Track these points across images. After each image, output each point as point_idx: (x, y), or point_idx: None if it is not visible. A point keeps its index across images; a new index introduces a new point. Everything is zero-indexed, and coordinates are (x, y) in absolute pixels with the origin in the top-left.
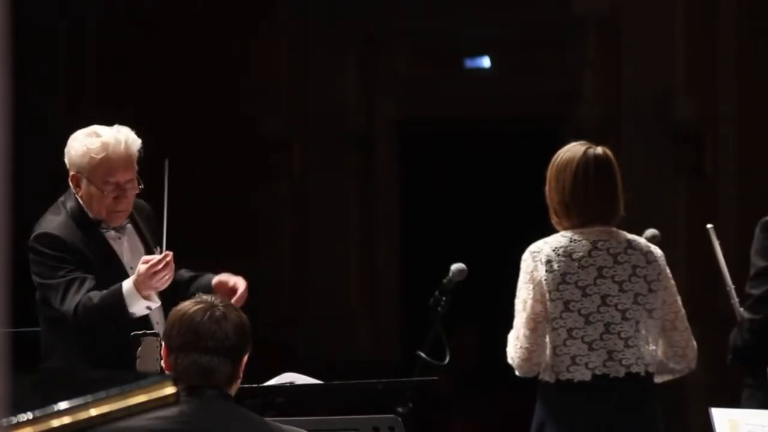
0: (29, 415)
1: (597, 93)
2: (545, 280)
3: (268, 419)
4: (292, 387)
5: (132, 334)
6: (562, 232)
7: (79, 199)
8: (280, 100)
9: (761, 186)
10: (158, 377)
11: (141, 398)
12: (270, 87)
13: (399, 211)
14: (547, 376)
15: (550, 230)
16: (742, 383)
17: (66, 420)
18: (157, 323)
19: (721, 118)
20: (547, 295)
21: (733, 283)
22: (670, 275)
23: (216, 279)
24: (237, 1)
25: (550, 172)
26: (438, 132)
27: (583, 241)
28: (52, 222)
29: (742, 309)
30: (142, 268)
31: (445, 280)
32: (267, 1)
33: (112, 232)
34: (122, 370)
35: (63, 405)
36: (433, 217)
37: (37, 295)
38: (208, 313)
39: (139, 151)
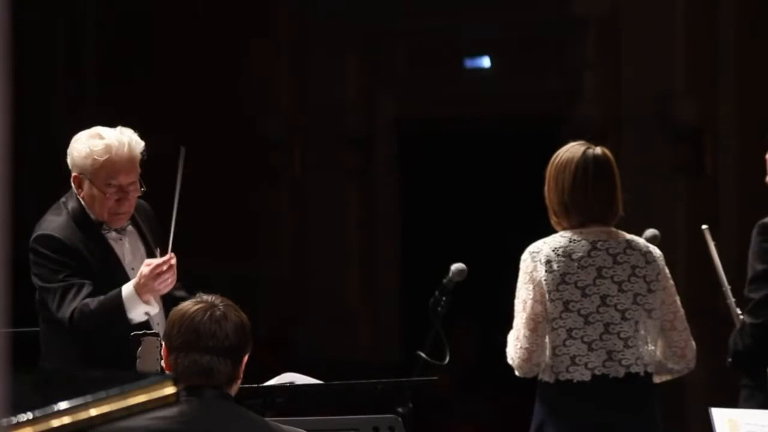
0: (29, 415)
1: (597, 93)
2: (545, 280)
3: (268, 419)
4: (292, 387)
5: (132, 334)
6: (562, 233)
7: (81, 200)
8: (280, 100)
9: (761, 186)
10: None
11: (141, 398)
12: (270, 87)
13: (399, 211)
14: (546, 377)
15: (550, 230)
16: (741, 384)
17: (66, 420)
18: (158, 324)
19: (721, 118)
20: (547, 296)
21: (733, 283)
22: (669, 275)
23: None
24: (237, 1)
25: (549, 172)
26: (438, 132)
27: (583, 242)
28: (53, 223)
29: (739, 312)
30: (145, 270)
31: (445, 280)
32: (267, 1)
33: (113, 233)
34: (122, 370)
35: (63, 405)
36: (433, 217)
37: (36, 295)
38: (209, 313)
39: (142, 153)
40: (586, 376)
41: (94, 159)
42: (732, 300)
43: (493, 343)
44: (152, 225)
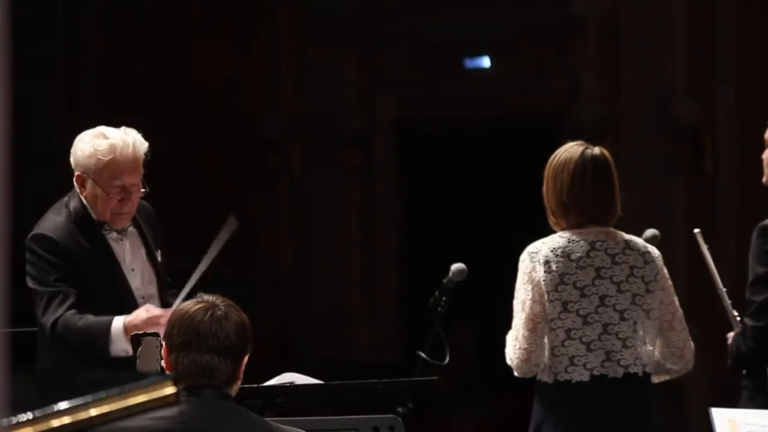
0: (29, 415)
1: (597, 93)
2: (544, 280)
3: (268, 419)
4: (292, 387)
5: (132, 334)
6: (560, 233)
7: (84, 200)
8: (280, 100)
9: (761, 186)
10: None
11: (141, 398)
12: (270, 87)
13: (399, 211)
14: (545, 377)
15: (550, 230)
16: (742, 385)
17: (66, 420)
18: None
19: (721, 118)
20: (546, 296)
21: (734, 284)
22: (667, 276)
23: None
24: (237, 1)
25: (548, 172)
26: (438, 132)
27: (582, 242)
28: (51, 222)
29: (736, 314)
30: (142, 314)
31: (445, 280)
32: (267, 1)
33: (114, 234)
34: (122, 370)
35: (63, 405)
36: (432, 217)
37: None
38: (210, 313)
39: (145, 154)
40: (585, 377)
41: (98, 159)
42: (728, 303)
43: (493, 343)
44: (154, 227)
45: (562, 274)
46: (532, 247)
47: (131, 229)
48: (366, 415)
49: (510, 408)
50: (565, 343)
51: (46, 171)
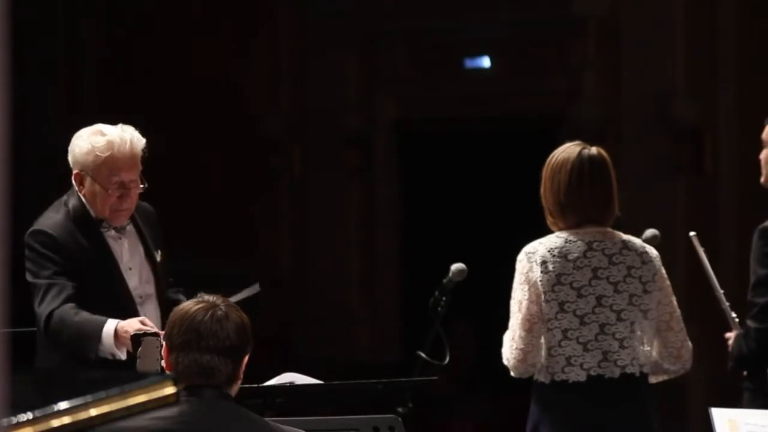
0: (29, 415)
1: (597, 93)
2: (540, 281)
3: (268, 419)
4: (292, 387)
5: (132, 334)
6: (558, 233)
7: (82, 198)
8: (280, 100)
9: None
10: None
11: (141, 398)
12: (270, 87)
13: (399, 211)
14: (542, 377)
15: (549, 230)
16: (743, 387)
17: (66, 420)
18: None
19: (721, 118)
20: (542, 296)
21: (734, 283)
22: (665, 276)
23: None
24: (237, 1)
25: (545, 172)
26: (438, 132)
27: (579, 242)
28: (49, 219)
29: (734, 315)
30: (135, 325)
31: (445, 280)
32: (267, 1)
33: (113, 232)
34: (122, 370)
35: (63, 405)
36: (433, 216)
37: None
38: (210, 313)
39: (143, 150)
40: (582, 377)
41: (96, 155)
42: (727, 305)
43: (493, 343)
44: (154, 227)
45: (558, 275)
46: (529, 248)
47: (130, 228)
48: (366, 415)
49: (510, 408)
50: (562, 344)
51: (46, 171)
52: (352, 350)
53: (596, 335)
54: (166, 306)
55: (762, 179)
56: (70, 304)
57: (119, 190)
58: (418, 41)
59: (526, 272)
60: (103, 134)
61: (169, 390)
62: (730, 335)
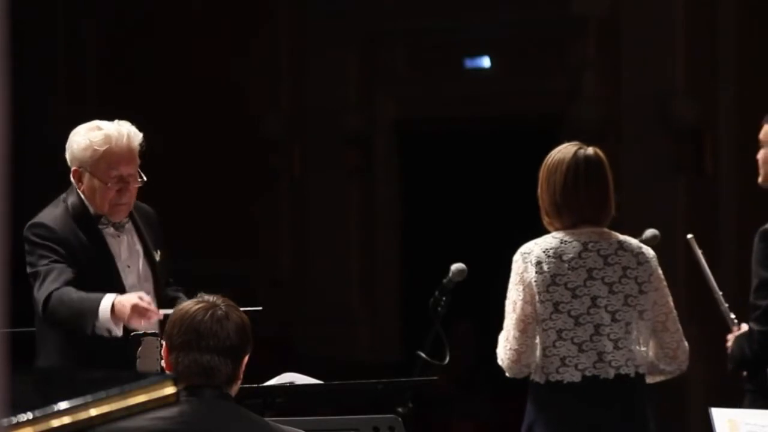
0: (29, 415)
1: (597, 93)
2: (535, 281)
3: (268, 419)
4: (292, 387)
5: (132, 334)
6: (553, 234)
7: (81, 194)
8: (280, 100)
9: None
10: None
11: (141, 398)
12: (270, 87)
13: (399, 211)
14: (537, 377)
15: (548, 230)
16: (744, 389)
17: (66, 420)
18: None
19: (721, 118)
20: (537, 297)
21: (734, 283)
22: (662, 276)
23: None
24: (237, 1)
25: (542, 173)
26: (438, 132)
27: (574, 243)
28: (49, 214)
29: (733, 316)
30: (132, 299)
31: (445, 280)
32: (267, 1)
33: (111, 229)
34: (122, 370)
35: (63, 405)
36: (433, 217)
37: (34, 293)
38: (210, 312)
39: (140, 144)
40: (577, 377)
41: (94, 150)
42: (725, 306)
43: (494, 343)
44: (154, 227)
45: (553, 275)
46: (524, 248)
47: (128, 226)
48: (366, 415)
49: (510, 408)
50: (557, 344)
51: (46, 171)
52: (352, 350)
53: (591, 336)
54: (164, 305)
55: (760, 179)
56: (71, 288)
57: (118, 183)
58: (418, 41)
59: (521, 272)
60: (99, 129)
61: (169, 390)
62: (731, 336)
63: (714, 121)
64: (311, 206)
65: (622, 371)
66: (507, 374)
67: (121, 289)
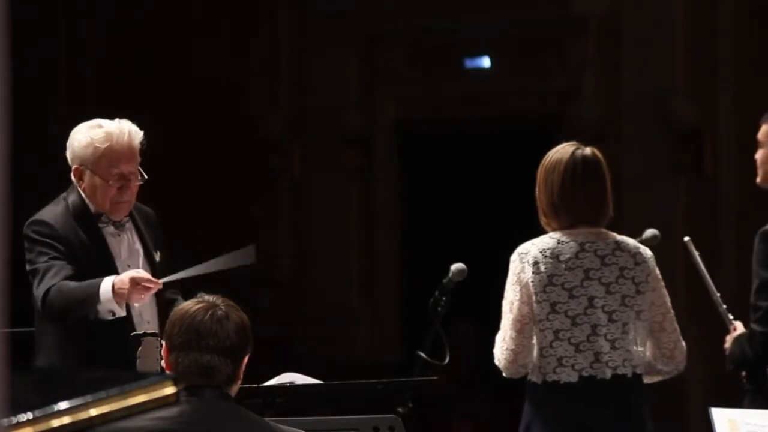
0: (29, 415)
1: (597, 93)
2: (532, 281)
3: (268, 419)
4: (292, 387)
5: (132, 334)
6: (551, 234)
7: (82, 193)
8: (280, 100)
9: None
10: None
11: (141, 398)
12: (270, 87)
13: (399, 211)
14: (534, 377)
15: (546, 230)
16: (743, 389)
17: (66, 420)
18: (148, 322)
19: (721, 118)
20: (534, 297)
21: (734, 283)
22: (659, 277)
23: None
24: (237, 1)
25: (540, 173)
26: (438, 132)
27: (571, 243)
28: (49, 212)
29: (732, 317)
30: (133, 274)
31: (445, 280)
32: (267, 1)
33: (111, 228)
34: (122, 370)
35: (63, 405)
36: (433, 217)
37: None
38: (210, 312)
39: (141, 143)
40: (573, 378)
41: (96, 147)
42: (724, 308)
43: (493, 344)
44: (154, 228)
45: (550, 275)
46: (521, 248)
47: (129, 225)
48: (366, 415)
49: (510, 408)
50: (554, 344)
51: (47, 170)
52: (352, 350)
53: (588, 336)
54: (163, 305)
55: (758, 179)
56: (65, 281)
57: (119, 181)
58: (418, 41)
59: (518, 273)
60: (101, 126)
61: (169, 390)
62: (729, 337)
63: (714, 121)
64: (311, 206)
65: (619, 371)
66: (504, 374)
67: None
